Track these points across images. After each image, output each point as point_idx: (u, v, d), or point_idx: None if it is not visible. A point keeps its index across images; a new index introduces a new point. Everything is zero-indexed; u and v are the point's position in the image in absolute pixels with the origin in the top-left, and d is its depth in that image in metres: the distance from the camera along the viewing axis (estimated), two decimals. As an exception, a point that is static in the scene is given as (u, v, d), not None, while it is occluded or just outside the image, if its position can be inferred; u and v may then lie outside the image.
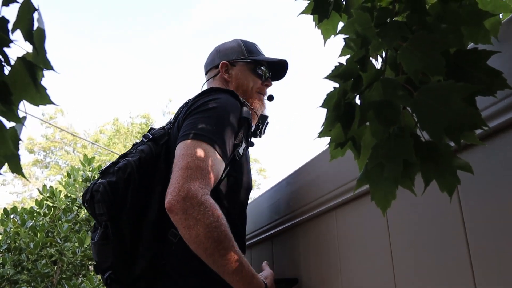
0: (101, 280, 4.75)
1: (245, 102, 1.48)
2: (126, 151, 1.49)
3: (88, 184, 5.28)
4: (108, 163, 1.42)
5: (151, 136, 1.44)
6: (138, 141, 1.53)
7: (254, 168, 19.28)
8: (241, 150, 1.42)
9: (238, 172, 1.43)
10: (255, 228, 1.91)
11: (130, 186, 1.30)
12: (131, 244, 1.29)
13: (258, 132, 1.56)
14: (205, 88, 1.67)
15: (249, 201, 1.58)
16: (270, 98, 1.73)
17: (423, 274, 1.02)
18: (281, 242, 1.73)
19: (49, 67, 1.06)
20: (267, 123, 1.60)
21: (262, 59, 1.70)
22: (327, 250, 1.40)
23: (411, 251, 1.06)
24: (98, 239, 1.33)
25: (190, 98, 1.51)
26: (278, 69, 1.76)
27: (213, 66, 1.72)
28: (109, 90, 27.01)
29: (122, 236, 1.29)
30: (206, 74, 1.76)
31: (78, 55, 26.14)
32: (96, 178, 1.44)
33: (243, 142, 1.43)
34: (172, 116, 1.59)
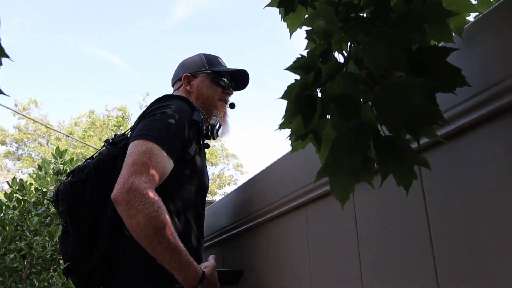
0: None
1: (196, 107, 1.61)
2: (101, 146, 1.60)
3: (60, 177, 5.19)
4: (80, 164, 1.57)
5: (111, 141, 1.58)
6: (114, 134, 1.67)
7: (231, 163, 19.23)
8: (191, 151, 1.52)
9: (190, 171, 1.54)
10: (227, 223, 1.92)
11: (88, 185, 1.44)
12: (89, 238, 1.41)
13: (210, 134, 1.68)
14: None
15: (220, 197, 1.62)
16: (232, 106, 1.87)
17: (388, 267, 1.03)
18: (251, 239, 1.74)
19: (3, 54, 1.03)
20: (220, 125, 1.74)
21: (221, 70, 1.84)
22: (298, 245, 1.41)
23: (377, 246, 1.08)
24: (61, 233, 1.49)
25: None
26: (241, 79, 1.91)
27: (177, 79, 1.86)
28: (86, 82, 26.53)
29: (80, 231, 1.41)
30: (172, 87, 1.90)
31: (56, 46, 25.59)
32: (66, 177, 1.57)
33: (193, 143, 1.53)
34: None
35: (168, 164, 1.39)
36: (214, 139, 1.71)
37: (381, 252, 1.06)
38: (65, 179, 1.51)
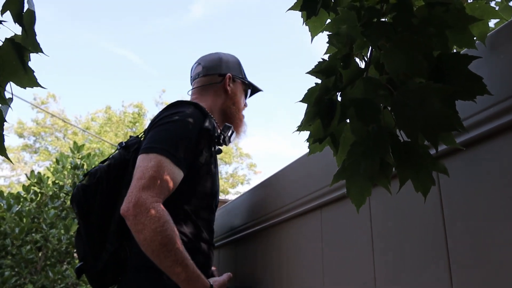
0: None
1: (208, 114, 1.59)
2: (117, 141, 1.63)
3: (77, 172, 5.25)
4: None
5: (124, 144, 1.60)
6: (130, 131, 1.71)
7: (245, 163, 19.26)
8: (202, 159, 1.52)
9: (201, 179, 1.53)
10: (240, 223, 1.93)
11: (99, 189, 1.48)
12: (99, 240, 1.47)
13: (222, 141, 1.63)
14: (195, 87, 1.81)
15: (233, 196, 1.63)
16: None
17: (402, 272, 1.04)
18: (264, 240, 1.75)
19: (39, 49, 1.05)
20: (232, 131, 1.69)
21: (252, 85, 1.88)
22: (311, 248, 1.42)
23: (392, 251, 1.08)
24: (76, 233, 1.54)
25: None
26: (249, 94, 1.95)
27: (216, 72, 1.81)
28: (103, 78, 26.82)
29: (90, 233, 1.47)
30: (195, 76, 1.84)
31: (75, 41, 25.92)
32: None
33: (205, 151, 1.53)
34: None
35: (177, 175, 1.40)
36: (226, 145, 1.68)
37: (396, 257, 1.06)
38: (81, 181, 1.55)
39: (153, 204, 1.30)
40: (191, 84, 1.87)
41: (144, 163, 1.37)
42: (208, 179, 1.57)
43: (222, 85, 1.79)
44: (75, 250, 4.96)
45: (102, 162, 1.58)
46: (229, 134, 1.67)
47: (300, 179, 1.53)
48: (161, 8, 27.28)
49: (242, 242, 1.95)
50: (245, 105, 1.87)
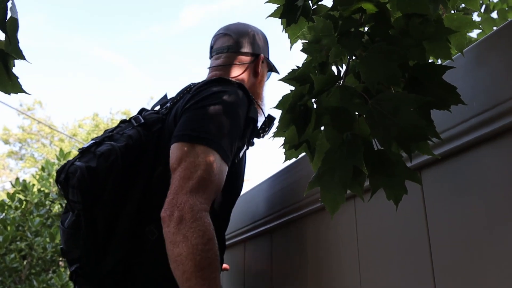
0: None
1: (253, 100, 1.34)
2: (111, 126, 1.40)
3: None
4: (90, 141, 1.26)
5: (142, 120, 1.27)
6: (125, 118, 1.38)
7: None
8: (241, 153, 1.31)
9: (232, 177, 1.29)
10: (254, 219, 1.71)
11: (111, 176, 1.16)
12: (103, 238, 1.17)
13: (261, 133, 1.39)
14: (222, 62, 1.50)
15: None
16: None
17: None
18: (282, 235, 1.55)
19: (21, 56, 1.05)
20: (273, 124, 1.43)
21: (274, 68, 1.63)
22: (344, 245, 1.23)
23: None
24: (68, 226, 1.21)
25: (193, 83, 1.37)
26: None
27: (249, 51, 1.52)
28: (91, 84, 26.71)
29: (95, 229, 1.16)
30: (230, 49, 1.51)
31: (62, 47, 25.81)
32: (75, 156, 1.26)
33: (246, 145, 1.32)
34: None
35: (224, 173, 1.17)
36: (262, 137, 1.42)
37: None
38: (75, 158, 1.22)
39: (201, 213, 1.06)
40: (211, 54, 1.56)
41: (189, 157, 1.11)
42: (237, 176, 1.34)
43: (253, 66, 1.51)
44: (60, 259, 4.90)
45: (108, 136, 1.25)
46: (271, 126, 1.42)
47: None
48: (151, 16, 27.32)
49: (252, 242, 1.73)
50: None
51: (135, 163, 1.21)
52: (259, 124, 1.39)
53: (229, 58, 1.50)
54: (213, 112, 1.18)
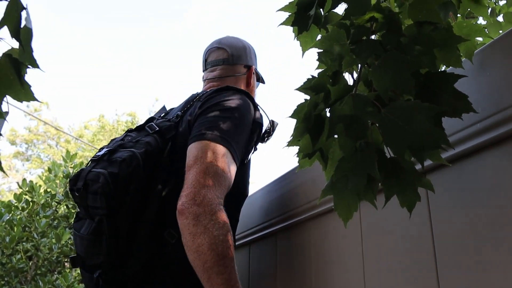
0: (77, 276, 4.68)
1: (258, 106, 1.41)
2: (117, 136, 1.40)
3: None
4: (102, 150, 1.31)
5: (157, 128, 1.33)
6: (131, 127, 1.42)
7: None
8: (249, 156, 1.38)
9: (240, 179, 1.34)
10: (257, 222, 1.74)
11: (133, 181, 1.20)
12: (126, 242, 1.20)
13: (265, 138, 1.46)
14: (218, 74, 1.58)
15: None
16: None
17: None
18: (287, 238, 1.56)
19: (35, 65, 1.07)
20: (275, 129, 1.51)
21: (262, 78, 1.74)
22: (348, 249, 1.24)
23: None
24: (88, 233, 1.22)
25: (200, 92, 1.45)
26: None
27: (243, 63, 1.62)
28: (97, 86, 26.78)
29: (117, 234, 1.19)
30: (225, 62, 1.60)
31: (69, 49, 25.93)
32: (87, 164, 1.31)
33: (253, 147, 1.38)
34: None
35: (234, 172, 1.22)
36: (265, 142, 1.49)
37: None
38: (90, 167, 1.26)
39: (219, 207, 1.11)
40: (206, 67, 1.64)
41: (206, 153, 1.17)
42: (243, 179, 1.39)
43: (245, 77, 1.61)
44: (66, 260, 4.92)
45: (120, 145, 1.29)
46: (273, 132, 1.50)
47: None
48: (155, 17, 27.39)
49: (257, 245, 1.74)
50: None
51: (153, 168, 1.25)
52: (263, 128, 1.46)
53: (225, 70, 1.60)
54: (226, 115, 1.26)
